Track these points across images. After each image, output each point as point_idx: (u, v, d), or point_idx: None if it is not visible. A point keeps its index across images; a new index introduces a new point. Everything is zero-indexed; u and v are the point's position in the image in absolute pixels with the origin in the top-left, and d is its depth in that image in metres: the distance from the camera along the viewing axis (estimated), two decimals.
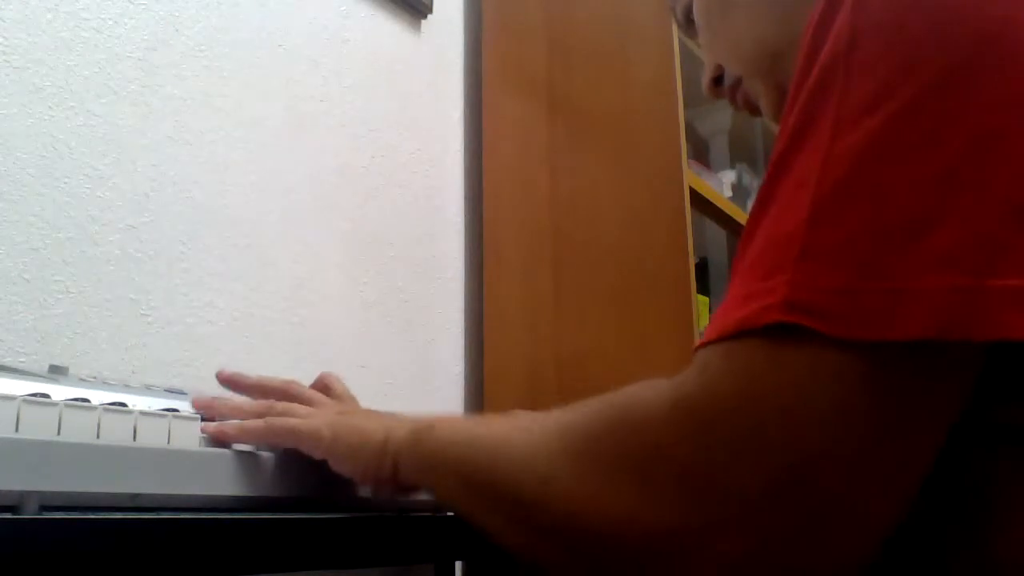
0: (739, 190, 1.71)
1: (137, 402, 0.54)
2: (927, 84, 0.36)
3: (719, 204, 1.45)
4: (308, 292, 1.20)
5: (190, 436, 0.52)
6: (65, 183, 0.94)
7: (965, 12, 0.37)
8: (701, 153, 1.85)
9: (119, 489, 0.44)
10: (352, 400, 0.68)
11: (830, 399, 0.35)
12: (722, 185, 1.65)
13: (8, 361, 0.83)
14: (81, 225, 0.94)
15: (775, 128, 0.45)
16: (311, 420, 0.57)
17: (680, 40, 1.36)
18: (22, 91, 0.91)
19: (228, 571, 0.45)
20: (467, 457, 0.48)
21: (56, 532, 0.38)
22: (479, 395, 1.44)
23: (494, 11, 1.60)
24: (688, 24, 0.70)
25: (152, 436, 0.49)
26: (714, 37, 0.66)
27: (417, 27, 1.50)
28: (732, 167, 1.80)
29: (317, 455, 0.56)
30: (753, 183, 1.76)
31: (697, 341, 0.40)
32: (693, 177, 1.34)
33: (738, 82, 0.66)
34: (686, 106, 1.35)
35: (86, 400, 0.49)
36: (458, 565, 1.13)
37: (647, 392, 0.40)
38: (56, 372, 0.64)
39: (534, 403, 0.47)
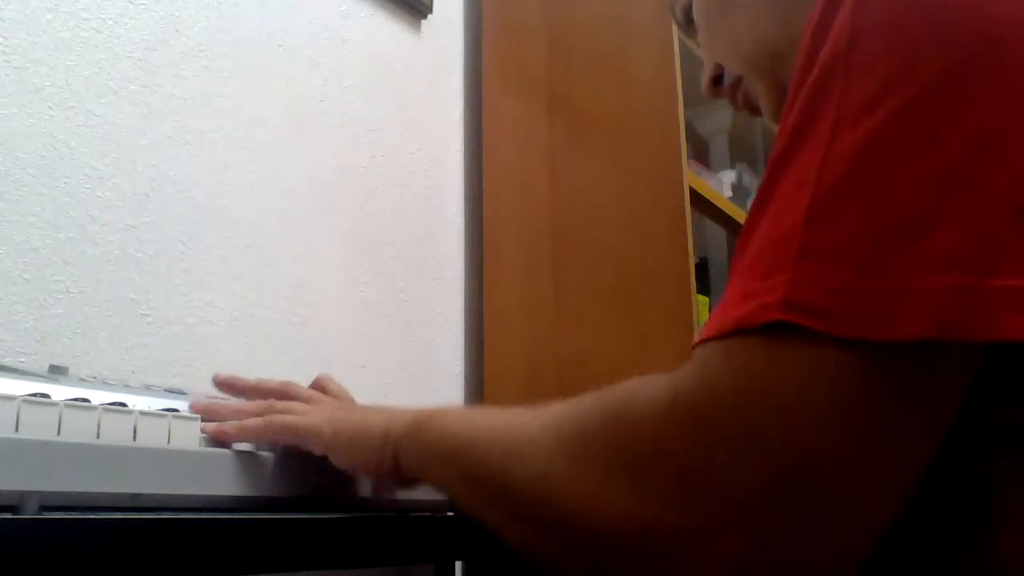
0: (739, 190, 1.71)
1: (137, 402, 0.54)
2: (927, 84, 0.36)
3: (719, 204, 1.45)
4: (308, 292, 1.20)
5: (190, 436, 0.52)
6: (65, 183, 0.94)
7: (965, 12, 0.37)
8: (701, 153, 1.85)
9: (119, 489, 0.44)
10: (349, 399, 0.68)
11: (829, 398, 0.35)
12: (722, 185, 1.65)
13: (8, 361, 0.83)
14: (81, 225, 0.94)
15: (775, 128, 0.45)
16: (310, 416, 0.57)
17: (680, 40, 1.36)
18: (22, 91, 0.91)
19: (228, 571, 0.45)
20: (467, 451, 0.48)
21: (56, 532, 0.38)
22: (479, 395, 1.44)
23: (494, 11, 1.60)
24: (688, 23, 0.70)
25: (152, 436, 0.49)
26: (714, 36, 0.66)
27: (417, 27, 1.50)
28: (732, 167, 1.80)
29: (318, 450, 0.56)
30: (753, 183, 1.76)
31: (696, 338, 0.40)
32: (693, 177, 1.34)
33: (738, 81, 0.66)
34: (686, 106, 1.35)
35: (86, 400, 0.49)
36: (458, 565, 1.13)
37: (645, 387, 0.40)
38: (56, 372, 0.64)
39: (534, 403, 0.47)
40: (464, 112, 1.58)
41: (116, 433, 0.47)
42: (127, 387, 0.61)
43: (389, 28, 1.44)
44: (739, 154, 1.88)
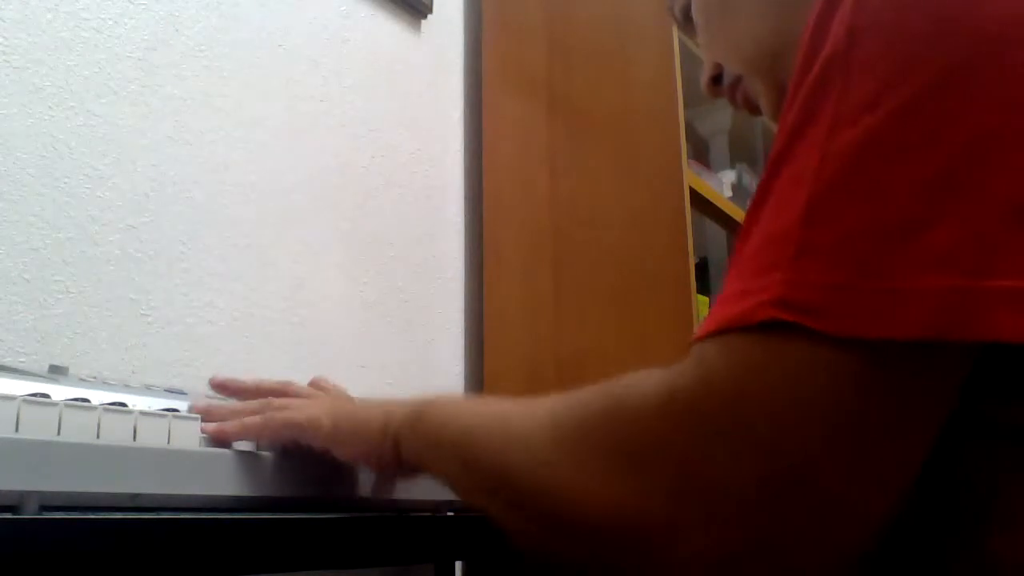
0: (739, 190, 1.71)
1: (137, 402, 0.54)
2: (926, 83, 0.36)
3: (719, 204, 1.45)
4: (308, 292, 1.20)
5: (190, 436, 0.52)
6: (65, 183, 0.94)
7: (965, 11, 0.37)
8: (701, 153, 1.85)
9: (119, 489, 0.44)
10: (347, 398, 0.68)
11: (825, 397, 0.35)
12: (722, 185, 1.65)
13: (8, 361, 0.83)
14: (81, 225, 0.94)
15: (775, 127, 0.45)
16: (309, 409, 0.57)
17: (680, 40, 1.36)
18: (22, 91, 0.91)
19: (228, 571, 0.45)
20: (466, 441, 0.48)
21: (56, 532, 0.38)
22: (479, 395, 1.44)
23: (494, 11, 1.60)
24: (686, 23, 0.69)
25: (152, 436, 0.49)
26: (713, 36, 0.66)
27: (417, 27, 1.50)
28: (732, 167, 1.79)
29: (318, 444, 0.56)
30: (753, 183, 1.76)
31: (694, 335, 0.40)
32: (693, 177, 1.34)
33: (737, 80, 0.66)
34: (686, 106, 1.35)
35: (86, 400, 0.49)
36: (458, 565, 1.13)
37: (643, 381, 0.40)
38: (56, 372, 0.64)
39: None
40: (464, 112, 1.58)
41: (116, 433, 0.47)
42: (127, 387, 0.62)
43: (389, 28, 1.44)
44: (739, 154, 1.88)
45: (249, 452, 0.53)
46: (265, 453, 0.54)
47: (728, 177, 1.72)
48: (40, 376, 0.58)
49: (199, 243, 1.06)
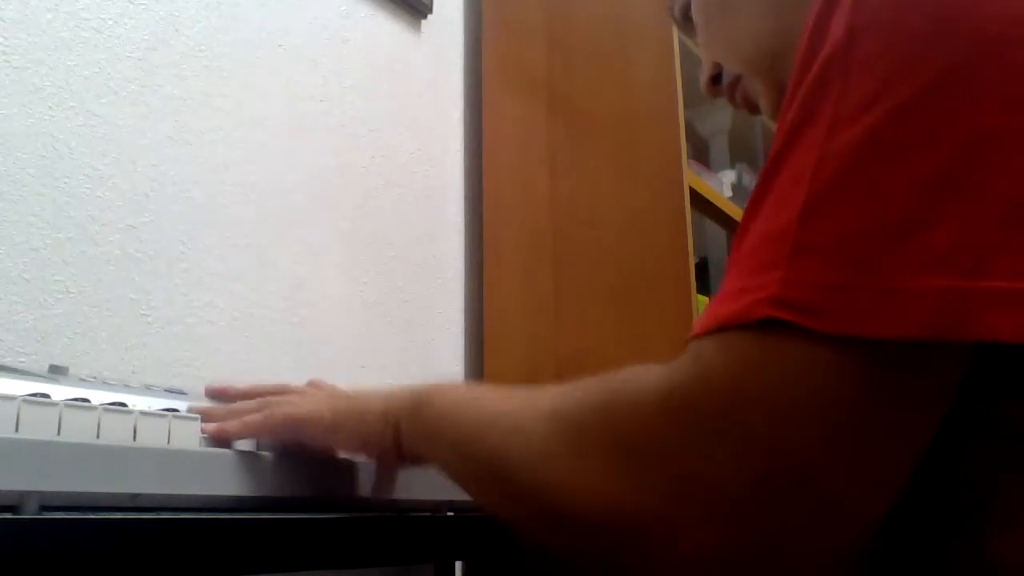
0: (739, 190, 1.71)
1: (137, 402, 0.54)
2: (926, 83, 0.36)
3: (719, 204, 1.45)
4: (308, 292, 1.20)
5: (190, 436, 0.52)
6: (65, 183, 0.94)
7: (964, 11, 0.37)
8: (701, 153, 1.85)
9: (119, 489, 0.44)
10: (344, 391, 0.68)
11: (822, 396, 0.35)
12: (722, 185, 1.65)
13: (8, 361, 0.83)
14: (81, 225, 0.94)
15: (774, 127, 0.45)
16: (309, 404, 0.57)
17: (680, 40, 1.36)
18: (22, 91, 0.91)
19: (228, 571, 0.45)
20: (466, 432, 0.48)
21: (56, 532, 0.38)
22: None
23: (494, 11, 1.60)
24: (686, 23, 0.69)
25: (152, 436, 0.49)
26: (712, 36, 0.66)
27: (417, 27, 1.50)
28: (732, 167, 1.80)
29: (319, 437, 0.56)
30: (753, 183, 1.75)
31: (691, 332, 0.40)
32: (693, 177, 1.34)
33: (737, 80, 0.66)
34: (686, 106, 1.35)
35: (86, 400, 0.49)
36: (458, 565, 1.13)
37: (641, 377, 0.40)
38: (56, 372, 0.64)
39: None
40: (464, 112, 1.58)
41: (116, 433, 0.47)
42: (127, 387, 0.62)
43: (389, 28, 1.44)
44: (739, 154, 1.88)
45: (249, 452, 0.53)
46: (265, 453, 0.54)
47: (728, 177, 1.72)
48: (40, 376, 0.58)
49: (199, 243, 1.06)
